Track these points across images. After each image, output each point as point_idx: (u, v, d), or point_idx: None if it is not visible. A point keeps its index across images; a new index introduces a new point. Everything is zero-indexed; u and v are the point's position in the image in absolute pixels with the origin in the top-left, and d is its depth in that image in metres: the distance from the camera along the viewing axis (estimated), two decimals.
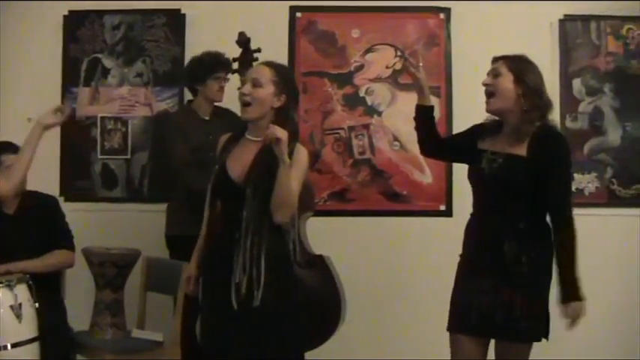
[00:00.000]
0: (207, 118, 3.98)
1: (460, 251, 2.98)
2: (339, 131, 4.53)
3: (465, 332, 2.84)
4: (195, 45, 4.29)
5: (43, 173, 4.17)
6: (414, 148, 3.30)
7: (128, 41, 4.57)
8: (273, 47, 4.04)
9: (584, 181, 4.41)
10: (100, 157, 4.54)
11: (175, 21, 4.54)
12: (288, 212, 2.74)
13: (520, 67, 2.84)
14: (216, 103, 4.01)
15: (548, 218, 2.85)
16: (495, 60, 2.90)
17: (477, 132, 3.01)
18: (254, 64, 3.61)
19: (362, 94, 4.54)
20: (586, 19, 4.51)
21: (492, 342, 2.89)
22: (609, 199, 4.45)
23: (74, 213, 3.98)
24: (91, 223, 4.29)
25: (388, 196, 4.51)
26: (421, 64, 3.05)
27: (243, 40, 3.84)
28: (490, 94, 2.87)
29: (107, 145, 4.54)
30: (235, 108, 3.12)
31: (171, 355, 3.54)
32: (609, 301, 4.15)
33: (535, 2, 4.48)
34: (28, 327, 3.12)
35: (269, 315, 2.74)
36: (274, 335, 2.77)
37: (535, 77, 2.83)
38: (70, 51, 4.56)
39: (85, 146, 4.54)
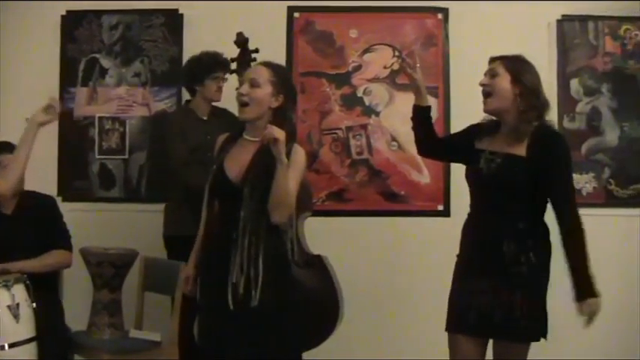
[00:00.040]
0: (205, 118, 3.98)
1: (457, 251, 2.98)
2: (336, 131, 4.53)
3: (463, 332, 2.84)
4: (193, 45, 4.29)
5: (41, 173, 4.18)
6: (412, 148, 3.30)
7: (126, 41, 4.56)
8: (271, 47, 4.04)
9: (581, 182, 4.41)
10: (97, 157, 4.54)
11: (173, 21, 4.54)
12: (285, 212, 2.74)
13: (517, 67, 2.84)
14: (214, 103, 4.01)
15: (546, 218, 2.86)
16: (492, 60, 2.91)
17: (474, 132, 3.01)
18: (252, 64, 3.61)
19: (360, 94, 4.54)
20: (584, 19, 4.51)
21: (490, 342, 2.89)
22: (607, 199, 4.46)
23: (72, 213, 3.98)
24: (88, 223, 4.29)
25: (386, 196, 4.51)
26: (418, 65, 3.05)
27: (241, 41, 3.84)
28: (487, 94, 2.87)
29: (105, 145, 4.54)
30: (233, 108, 3.11)
31: (168, 355, 3.54)
32: (607, 301, 4.10)
33: (533, 2, 4.48)
34: (26, 327, 3.11)
35: (267, 315, 2.74)
36: (272, 335, 2.77)
37: (532, 77, 2.83)
38: (68, 51, 4.56)
39: (83, 146, 4.54)
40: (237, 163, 2.81)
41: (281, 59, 4.17)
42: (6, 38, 4.52)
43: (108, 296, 3.60)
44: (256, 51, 3.84)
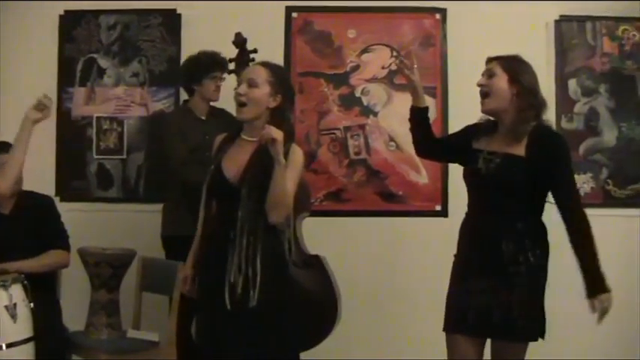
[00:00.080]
0: (203, 117, 3.98)
1: (455, 251, 2.99)
2: (334, 131, 4.53)
3: (462, 332, 2.84)
4: (191, 45, 4.28)
5: (39, 173, 4.18)
6: (410, 148, 3.30)
7: (124, 41, 4.56)
8: (269, 47, 4.04)
9: (579, 182, 4.40)
10: (95, 157, 4.54)
11: (171, 21, 4.54)
12: (283, 212, 2.74)
13: (514, 67, 2.84)
14: (212, 103, 4.01)
15: (544, 218, 2.87)
16: (489, 60, 2.91)
17: (471, 132, 3.01)
18: (250, 64, 3.61)
19: (358, 94, 4.54)
20: (582, 19, 4.52)
21: (488, 341, 2.89)
22: (604, 199, 4.46)
23: (70, 213, 3.97)
24: (86, 223, 4.29)
25: (384, 197, 4.51)
26: (415, 66, 3.05)
27: (239, 41, 3.84)
28: (485, 95, 2.88)
29: (103, 145, 4.54)
30: (231, 108, 3.11)
31: (166, 356, 3.54)
32: None
33: (531, 3, 4.49)
34: (23, 327, 3.11)
35: (265, 315, 2.74)
36: (270, 335, 2.77)
37: (529, 77, 2.84)
38: (66, 51, 4.56)
39: (81, 146, 4.54)
40: (235, 163, 2.81)
41: (279, 59, 4.16)
42: (4, 38, 4.52)
43: (106, 296, 3.59)
44: (255, 51, 3.84)
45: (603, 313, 2.72)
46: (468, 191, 2.97)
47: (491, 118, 2.94)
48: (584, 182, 4.43)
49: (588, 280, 2.72)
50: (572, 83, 4.51)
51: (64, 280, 3.86)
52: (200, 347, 2.87)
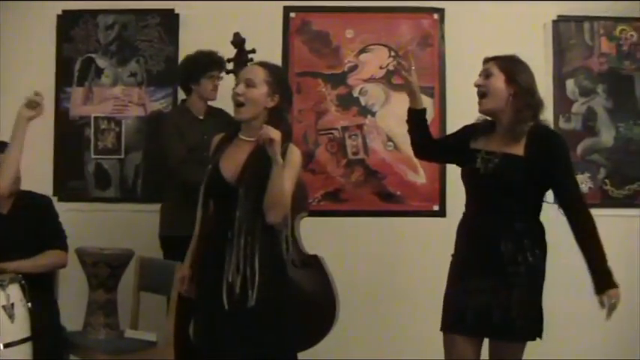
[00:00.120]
0: (201, 117, 3.98)
1: (453, 251, 2.99)
2: (332, 131, 4.53)
3: (460, 332, 2.83)
4: (188, 45, 4.28)
5: (37, 173, 4.17)
6: (408, 148, 3.30)
7: (122, 41, 4.56)
8: (267, 47, 4.04)
9: None
10: (93, 157, 4.54)
11: (169, 21, 4.54)
12: (280, 212, 2.74)
13: (511, 67, 2.85)
14: (209, 103, 4.00)
15: (542, 218, 2.87)
16: (487, 61, 2.91)
17: (469, 132, 3.01)
18: (249, 64, 3.61)
19: (356, 94, 4.54)
20: (579, 20, 4.52)
21: (485, 341, 2.89)
22: (602, 199, 4.47)
23: (67, 213, 3.97)
24: (84, 223, 4.29)
25: (382, 197, 4.51)
26: (413, 68, 3.04)
27: (238, 41, 3.85)
28: (482, 95, 2.88)
29: (101, 145, 4.53)
30: (229, 108, 3.11)
31: (164, 356, 3.54)
32: None
33: (528, 3, 4.49)
34: (21, 327, 3.10)
35: (263, 315, 2.74)
36: (268, 335, 2.77)
37: (526, 77, 2.84)
38: (64, 51, 4.56)
39: (79, 146, 4.53)
40: (232, 163, 2.81)
41: (277, 59, 4.17)
42: (2, 38, 4.51)
43: (103, 296, 3.59)
44: (253, 51, 3.84)
45: (612, 308, 2.74)
46: (466, 191, 2.97)
47: (489, 118, 2.94)
48: (581, 182, 4.42)
49: (596, 276, 2.73)
50: (570, 83, 4.52)
51: (61, 280, 3.85)
52: (198, 347, 2.87)
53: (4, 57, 4.51)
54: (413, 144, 3.17)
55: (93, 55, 4.56)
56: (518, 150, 2.81)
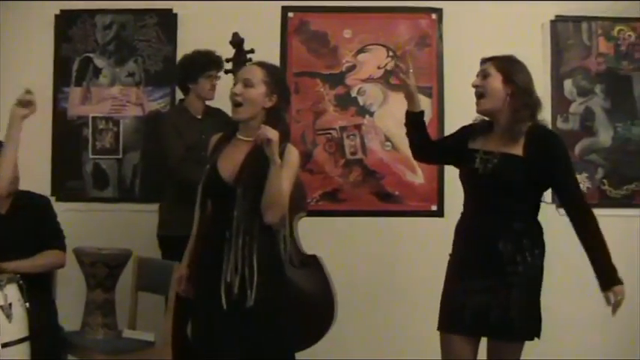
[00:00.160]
0: (199, 116, 3.98)
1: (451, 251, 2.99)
2: (330, 131, 4.53)
3: (458, 332, 2.83)
4: (186, 45, 4.28)
5: (35, 173, 4.17)
6: (406, 148, 3.30)
7: (120, 41, 4.56)
8: (265, 47, 4.03)
9: None
10: (91, 156, 4.53)
11: (167, 21, 4.54)
12: (278, 212, 2.73)
13: (509, 67, 2.85)
14: (207, 102, 4.00)
15: (540, 218, 2.87)
16: (484, 61, 2.92)
17: (467, 132, 3.01)
18: (247, 64, 3.61)
19: (354, 94, 4.54)
20: (577, 20, 4.53)
21: (483, 341, 2.89)
22: (600, 199, 4.47)
23: (66, 213, 3.97)
24: (82, 223, 4.29)
25: (380, 197, 4.51)
26: (411, 70, 3.04)
27: (237, 41, 3.84)
28: (480, 95, 2.88)
29: (99, 144, 4.53)
30: (227, 108, 3.11)
31: (162, 355, 3.53)
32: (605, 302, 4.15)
33: (526, 3, 4.49)
34: (18, 327, 3.10)
35: (261, 315, 2.74)
36: (266, 335, 2.77)
37: (524, 77, 2.84)
38: (62, 50, 4.55)
39: (77, 146, 4.53)
40: (230, 162, 2.81)
41: (275, 59, 4.16)
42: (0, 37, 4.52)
43: (101, 296, 3.59)
44: (252, 51, 3.84)
45: (618, 305, 2.75)
46: (464, 191, 2.97)
47: (487, 119, 2.94)
48: (579, 182, 4.42)
49: (602, 273, 2.75)
50: (568, 83, 4.52)
51: (59, 280, 3.85)
52: (196, 347, 2.87)
53: (2, 57, 4.51)
54: (411, 146, 3.17)
55: (91, 55, 4.56)
56: (517, 150, 2.81)
